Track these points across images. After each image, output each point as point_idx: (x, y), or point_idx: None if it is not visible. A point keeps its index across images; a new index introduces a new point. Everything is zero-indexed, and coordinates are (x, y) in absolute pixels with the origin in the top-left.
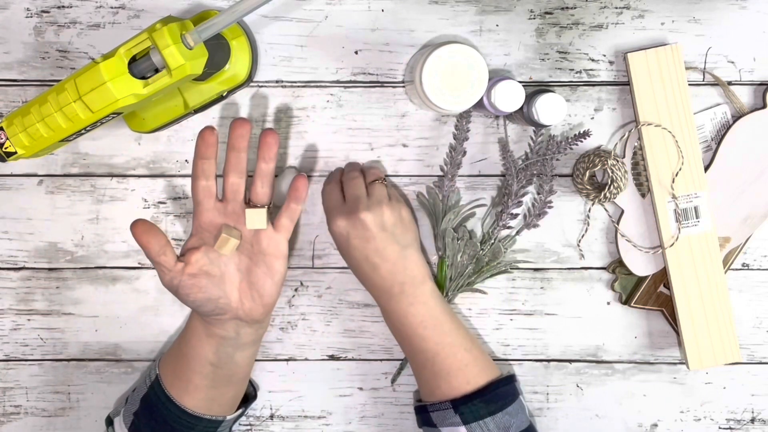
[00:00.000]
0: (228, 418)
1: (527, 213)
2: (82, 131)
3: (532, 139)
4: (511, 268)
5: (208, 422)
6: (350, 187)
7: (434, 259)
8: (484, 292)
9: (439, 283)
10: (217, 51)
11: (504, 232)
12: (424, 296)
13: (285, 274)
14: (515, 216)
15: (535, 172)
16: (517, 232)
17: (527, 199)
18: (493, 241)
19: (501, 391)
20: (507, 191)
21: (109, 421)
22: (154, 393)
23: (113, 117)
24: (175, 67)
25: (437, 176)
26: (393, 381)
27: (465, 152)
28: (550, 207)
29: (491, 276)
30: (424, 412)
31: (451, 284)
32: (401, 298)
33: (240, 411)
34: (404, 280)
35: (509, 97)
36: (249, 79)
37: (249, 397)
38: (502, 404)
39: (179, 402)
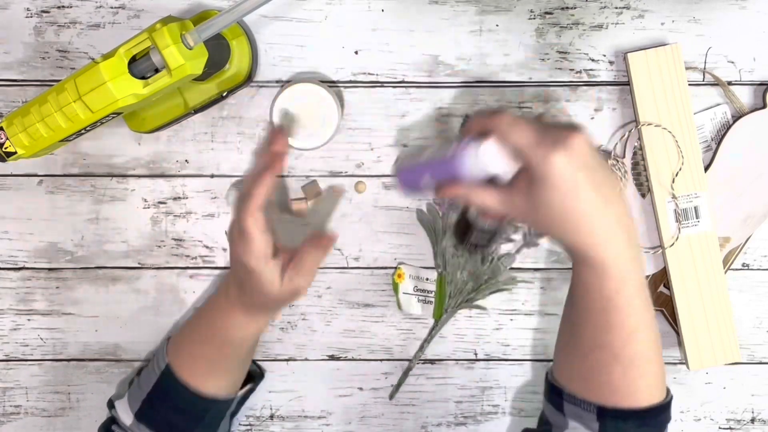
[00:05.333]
0: (239, 394)
1: (527, 232)
2: (82, 131)
3: None
4: (509, 286)
5: (222, 403)
6: (537, 122)
7: (433, 276)
8: (484, 308)
9: (438, 299)
10: (217, 51)
11: (503, 249)
12: (642, 261)
13: None
14: (517, 229)
15: None
16: (517, 251)
17: None
18: (492, 259)
19: (660, 419)
20: None
21: (111, 404)
22: (167, 381)
23: (113, 117)
24: (175, 67)
25: None
26: (391, 397)
27: None
28: None
29: (491, 293)
30: (557, 394)
31: (451, 300)
32: (626, 252)
33: (249, 387)
34: (630, 229)
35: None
36: (249, 79)
37: (255, 375)
38: (653, 430)
39: (195, 388)
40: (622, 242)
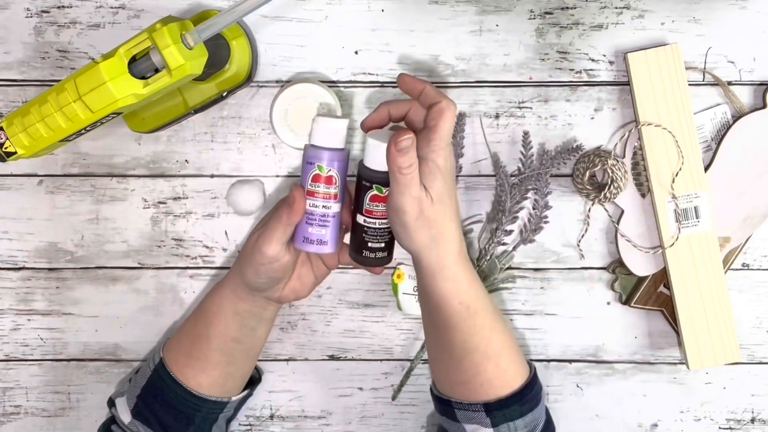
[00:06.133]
0: (233, 399)
1: (523, 228)
2: (82, 131)
3: (522, 153)
4: (508, 285)
5: (213, 404)
6: None
7: None
8: None
9: None
10: (217, 51)
11: (500, 248)
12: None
13: (326, 276)
14: (510, 232)
15: (529, 187)
16: (514, 248)
17: (523, 213)
18: (489, 257)
19: (534, 392)
20: (501, 208)
21: (111, 402)
22: (158, 376)
23: (113, 117)
24: (175, 67)
25: None
26: (394, 398)
27: (460, 168)
28: (546, 222)
29: (490, 292)
30: (446, 404)
31: None
32: (460, 257)
33: (246, 392)
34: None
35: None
36: (249, 79)
37: (254, 380)
38: (533, 405)
39: (185, 384)
40: (464, 250)
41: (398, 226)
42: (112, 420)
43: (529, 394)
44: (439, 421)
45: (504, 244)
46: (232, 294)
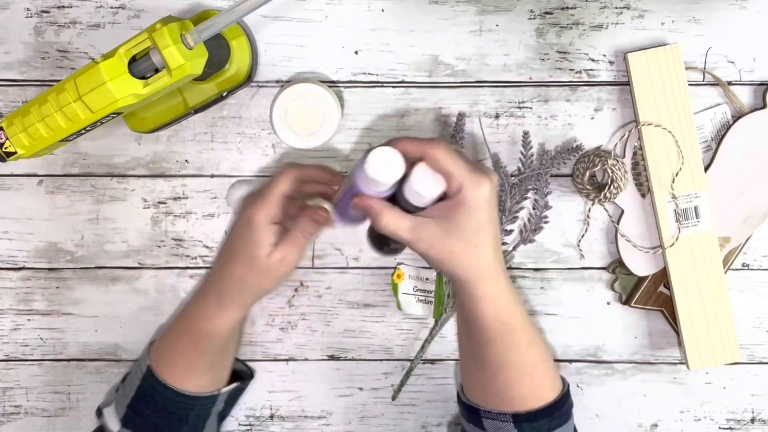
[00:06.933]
0: (223, 391)
1: (523, 228)
2: (82, 131)
3: (522, 153)
4: None
5: (205, 399)
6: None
7: (433, 275)
8: None
9: (438, 298)
10: (217, 51)
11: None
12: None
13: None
14: (510, 232)
15: (529, 186)
16: (514, 248)
17: (523, 213)
18: None
19: (565, 408)
20: (501, 208)
21: (99, 412)
22: (148, 383)
23: (113, 117)
24: (175, 67)
25: None
26: (394, 398)
27: None
28: (546, 222)
29: None
30: (474, 412)
31: (451, 300)
32: (507, 279)
33: (235, 385)
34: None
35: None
36: (249, 79)
37: (244, 375)
38: (562, 420)
39: (177, 387)
40: (504, 272)
41: (432, 264)
42: (101, 430)
43: (560, 410)
44: (465, 427)
45: (504, 244)
46: (243, 311)
